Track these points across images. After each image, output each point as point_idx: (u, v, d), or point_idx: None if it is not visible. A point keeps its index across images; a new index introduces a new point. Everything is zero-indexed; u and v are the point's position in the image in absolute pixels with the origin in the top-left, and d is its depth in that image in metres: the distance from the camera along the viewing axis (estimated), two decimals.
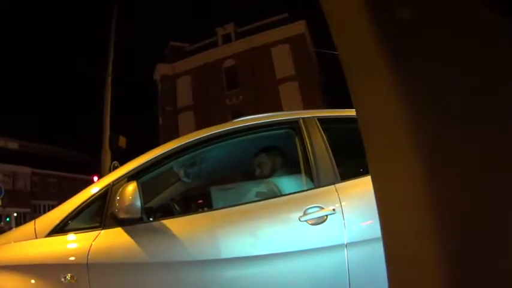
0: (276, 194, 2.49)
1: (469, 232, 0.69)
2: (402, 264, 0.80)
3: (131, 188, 2.09)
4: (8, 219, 33.60)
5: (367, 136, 0.83)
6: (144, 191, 2.20)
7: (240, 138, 2.66)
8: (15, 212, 34.29)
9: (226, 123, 2.67)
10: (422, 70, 0.72)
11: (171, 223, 2.18)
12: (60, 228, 2.20)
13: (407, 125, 0.73)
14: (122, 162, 2.85)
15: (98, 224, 2.19)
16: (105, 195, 2.27)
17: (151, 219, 2.35)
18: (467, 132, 0.69)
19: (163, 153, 2.45)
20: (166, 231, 2.14)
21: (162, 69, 34.24)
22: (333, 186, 2.25)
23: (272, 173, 2.78)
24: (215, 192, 2.68)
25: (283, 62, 30.18)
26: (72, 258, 2.09)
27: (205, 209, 2.69)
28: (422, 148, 0.71)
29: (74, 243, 2.17)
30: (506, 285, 0.67)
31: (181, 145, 2.49)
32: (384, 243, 0.82)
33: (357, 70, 0.83)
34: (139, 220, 2.15)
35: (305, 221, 2.11)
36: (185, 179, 2.95)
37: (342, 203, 2.16)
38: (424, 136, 0.71)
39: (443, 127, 0.70)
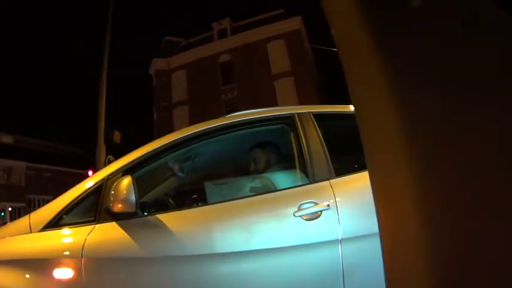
0: (271, 189, 2.49)
1: (465, 225, 0.69)
2: (398, 257, 0.80)
3: (126, 182, 2.09)
4: (2, 213, 33.46)
5: (365, 131, 0.84)
6: (139, 186, 2.20)
7: (234, 133, 2.65)
8: (10, 207, 34.15)
9: (221, 118, 2.66)
10: (422, 66, 0.72)
11: (165, 218, 2.18)
12: (55, 223, 2.20)
13: (405, 121, 0.73)
14: (117, 157, 2.84)
15: (92, 219, 2.19)
16: (100, 189, 2.27)
17: (145, 213, 2.35)
18: (465, 129, 0.70)
19: (158, 147, 2.45)
20: (160, 225, 2.14)
21: (157, 64, 34.11)
22: (327, 181, 2.25)
23: (267, 168, 2.78)
24: (210, 187, 2.67)
25: (278, 58, 30.18)
26: (66, 253, 2.09)
27: (200, 203, 2.68)
28: (419, 142, 0.72)
29: (68, 238, 2.17)
30: (501, 277, 0.68)
31: (175, 140, 2.48)
32: (380, 236, 0.83)
33: (356, 66, 0.83)
34: (134, 214, 2.14)
35: (299, 216, 2.11)
36: (180, 174, 2.95)
37: (337, 199, 2.16)
38: (421, 131, 0.72)
39: (441, 123, 0.71)
